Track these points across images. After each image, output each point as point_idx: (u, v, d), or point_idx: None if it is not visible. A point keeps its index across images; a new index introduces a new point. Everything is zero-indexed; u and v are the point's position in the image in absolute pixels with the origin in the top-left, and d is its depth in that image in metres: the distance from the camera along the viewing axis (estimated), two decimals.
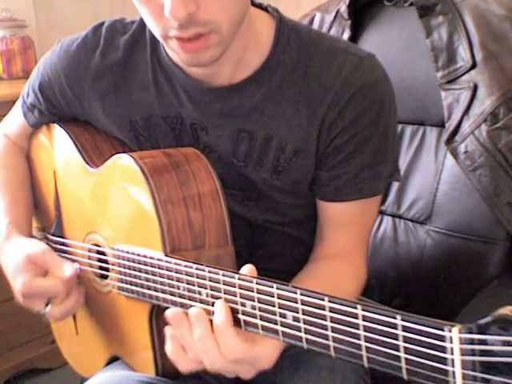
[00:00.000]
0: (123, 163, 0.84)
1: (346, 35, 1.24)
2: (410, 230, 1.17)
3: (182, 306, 0.74)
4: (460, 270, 1.10)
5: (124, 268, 0.83)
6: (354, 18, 1.24)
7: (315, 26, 1.30)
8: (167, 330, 0.71)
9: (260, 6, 0.86)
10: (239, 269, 0.70)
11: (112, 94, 0.89)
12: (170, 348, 0.71)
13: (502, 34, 1.05)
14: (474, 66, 1.05)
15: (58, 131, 0.98)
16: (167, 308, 0.77)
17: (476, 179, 1.03)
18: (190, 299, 0.73)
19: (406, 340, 0.52)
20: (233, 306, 0.67)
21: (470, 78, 1.05)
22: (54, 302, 0.86)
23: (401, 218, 1.19)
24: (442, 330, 0.50)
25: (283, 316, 0.62)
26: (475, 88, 1.04)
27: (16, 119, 1.04)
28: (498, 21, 1.06)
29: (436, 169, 1.13)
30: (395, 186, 1.18)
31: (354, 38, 1.25)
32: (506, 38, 1.05)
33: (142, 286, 0.80)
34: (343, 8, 1.24)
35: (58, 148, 0.99)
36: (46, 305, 0.86)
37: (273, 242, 0.92)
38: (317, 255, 0.89)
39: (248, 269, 0.67)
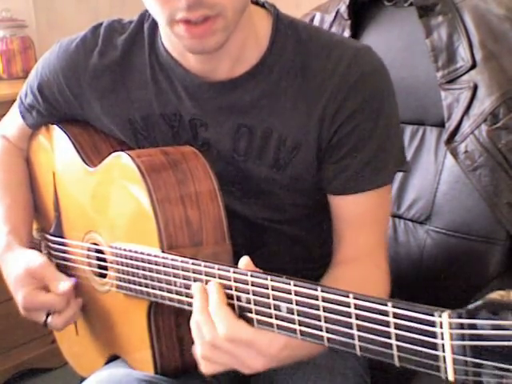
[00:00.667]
0: (121, 161, 0.84)
1: (346, 35, 1.24)
2: (409, 230, 1.17)
3: (180, 302, 0.74)
4: (460, 269, 1.10)
5: (122, 266, 0.83)
6: (354, 18, 1.24)
7: None
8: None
9: (257, 3, 0.86)
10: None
11: (110, 93, 0.89)
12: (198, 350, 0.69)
13: (501, 33, 1.05)
14: (473, 65, 1.05)
15: (56, 132, 0.99)
16: (165, 305, 0.78)
17: (476, 179, 1.03)
18: (186, 295, 0.73)
19: (397, 327, 0.53)
20: (228, 300, 0.68)
21: (470, 78, 1.05)
22: (54, 314, 0.89)
23: (401, 218, 1.19)
24: (432, 315, 0.50)
25: (277, 307, 0.63)
26: (475, 88, 1.04)
27: (14, 120, 1.04)
28: (498, 21, 1.06)
29: (436, 169, 1.13)
30: (395, 185, 1.18)
31: (354, 38, 1.25)
32: (506, 38, 1.05)
33: (139, 284, 0.80)
34: (343, 8, 1.25)
35: (58, 149, 0.99)
36: (47, 316, 0.89)
37: (272, 241, 0.92)
38: (338, 259, 0.87)
39: (245, 261, 0.67)
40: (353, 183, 0.84)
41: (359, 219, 0.86)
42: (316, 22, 1.31)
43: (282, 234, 0.92)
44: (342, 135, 0.82)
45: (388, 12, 1.23)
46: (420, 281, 1.14)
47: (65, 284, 0.88)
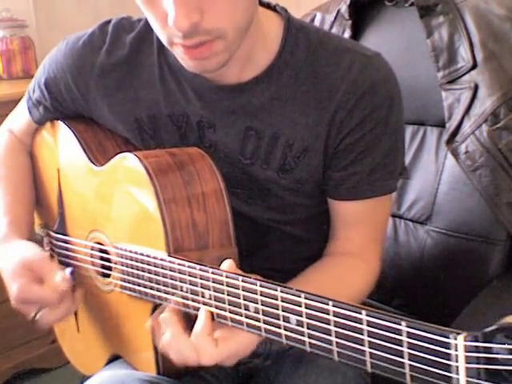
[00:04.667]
0: (128, 163, 0.83)
1: (347, 35, 1.24)
2: (410, 230, 1.18)
3: (185, 306, 0.74)
4: (460, 270, 1.10)
5: (127, 267, 0.83)
6: (355, 17, 1.24)
7: None
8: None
9: (268, 6, 0.86)
10: (242, 269, 0.70)
11: (117, 91, 0.89)
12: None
13: (502, 34, 1.06)
14: (474, 66, 1.05)
15: (62, 129, 0.98)
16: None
17: (476, 179, 1.04)
18: (192, 300, 0.72)
19: (411, 346, 0.52)
20: (235, 309, 0.67)
21: (471, 78, 1.05)
22: (45, 310, 0.86)
23: (401, 218, 1.19)
24: (448, 337, 0.49)
25: (287, 319, 0.62)
26: (476, 88, 1.04)
27: (21, 115, 1.04)
28: (499, 21, 1.06)
29: (436, 169, 1.14)
30: None
31: (355, 38, 1.25)
32: (507, 38, 1.05)
33: (144, 286, 0.80)
34: (344, 8, 1.25)
35: (62, 146, 0.99)
36: (38, 311, 0.86)
37: (274, 241, 0.92)
38: (330, 251, 0.90)
39: (227, 264, 0.69)
40: (356, 191, 0.85)
41: (356, 221, 0.87)
42: (317, 22, 1.30)
43: (285, 234, 0.92)
44: (350, 142, 0.82)
45: (389, 12, 1.23)
46: (420, 281, 1.15)
47: (62, 278, 0.84)
